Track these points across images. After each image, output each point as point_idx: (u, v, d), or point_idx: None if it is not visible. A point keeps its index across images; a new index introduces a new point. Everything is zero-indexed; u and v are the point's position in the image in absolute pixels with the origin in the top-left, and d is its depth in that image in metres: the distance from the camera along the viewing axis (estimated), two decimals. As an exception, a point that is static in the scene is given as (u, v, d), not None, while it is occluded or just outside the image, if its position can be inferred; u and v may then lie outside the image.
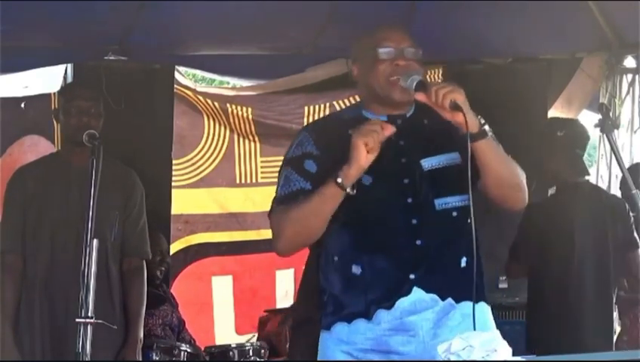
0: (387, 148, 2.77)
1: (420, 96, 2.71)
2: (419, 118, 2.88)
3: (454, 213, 2.84)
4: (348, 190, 2.71)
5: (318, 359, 2.93)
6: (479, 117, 2.69)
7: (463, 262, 2.86)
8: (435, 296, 2.81)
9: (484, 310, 2.91)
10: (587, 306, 4.61)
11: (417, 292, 2.80)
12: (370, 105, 2.91)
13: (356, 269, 2.82)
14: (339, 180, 2.69)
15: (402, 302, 2.80)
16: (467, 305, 2.81)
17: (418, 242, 2.79)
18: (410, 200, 2.81)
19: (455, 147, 2.83)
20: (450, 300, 2.83)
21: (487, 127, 2.70)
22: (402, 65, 2.81)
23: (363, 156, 2.68)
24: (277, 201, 2.90)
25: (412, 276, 2.80)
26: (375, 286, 2.81)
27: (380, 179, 2.79)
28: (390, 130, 2.71)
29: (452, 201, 2.84)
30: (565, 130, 4.74)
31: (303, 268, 4.63)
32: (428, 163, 2.84)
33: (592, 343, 4.40)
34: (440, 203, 2.83)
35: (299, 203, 2.79)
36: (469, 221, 2.77)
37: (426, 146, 2.85)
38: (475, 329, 2.62)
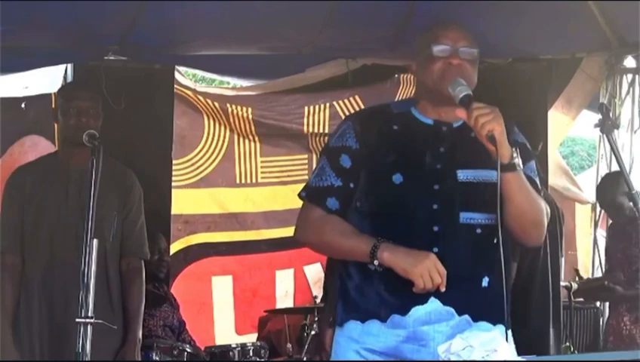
0: (426, 152, 2.80)
1: (461, 113, 2.70)
2: (467, 129, 2.79)
3: (478, 230, 2.81)
4: (375, 264, 2.75)
5: (331, 355, 2.93)
6: (514, 149, 2.69)
7: (485, 281, 2.84)
8: (451, 310, 2.79)
9: (503, 333, 2.80)
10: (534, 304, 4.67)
11: (434, 303, 2.78)
12: (420, 102, 2.90)
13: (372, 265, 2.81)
14: (375, 262, 2.74)
15: (417, 311, 2.78)
16: (484, 325, 2.80)
17: (435, 250, 2.75)
18: (435, 206, 2.79)
19: (494, 165, 2.76)
20: (466, 317, 2.81)
21: (517, 161, 2.70)
22: (455, 64, 2.80)
23: (406, 273, 2.70)
24: (307, 191, 2.91)
25: None
26: (391, 287, 2.79)
27: (410, 180, 2.79)
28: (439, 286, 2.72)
29: (478, 218, 2.81)
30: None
31: (326, 267, 4.63)
32: (464, 174, 2.82)
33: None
34: (465, 216, 2.80)
35: (336, 232, 2.84)
36: (494, 241, 2.76)
37: (466, 158, 2.83)
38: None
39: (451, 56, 2.81)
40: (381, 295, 2.81)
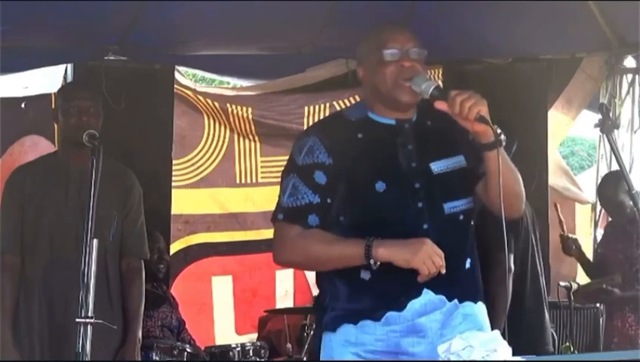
0: (397, 153, 2.81)
1: (440, 105, 2.70)
2: (423, 121, 2.88)
3: (461, 217, 2.86)
4: (372, 263, 2.72)
5: (322, 359, 2.93)
6: (495, 126, 2.69)
7: (468, 263, 2.89)
8: (443, 297, 2.82)
9: (482, 310, 2.93)
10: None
11: (427, 294, 2.80)
12: (375, 106, 2.89)
13: (365, 275, 2.80)
14: (372, 261, 2.71)
15: (413, 304, 2.80)
16: (468, 305, 2.86)
17: None
18: (421, 204, 2.81)
19: (460, 150, 2.86)
20: (455, 301, 2.85)
21: (502, 136, 2.71)
22: (407, 66, 2.80)
23: (408, 263, 2.69)
24: (284, 212, 2.88)
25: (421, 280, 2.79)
26: (384, 292, 2.80)
27: (392, 184, 2.79)
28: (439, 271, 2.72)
29: (459, 205, 2.85)
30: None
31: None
32: (437, 166, 2.84)
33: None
34: (449, 206, 2.83)
35: (319, 242, 2.80)
36: (472, 223, 2.87)
37: (433, 150, 2.86)
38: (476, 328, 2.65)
39: (402, 59, 2.81)
40: (375, 299, 2.81)
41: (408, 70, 2.80)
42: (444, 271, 2.71)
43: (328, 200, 2.80)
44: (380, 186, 2.78)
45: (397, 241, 2.73)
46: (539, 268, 4.79)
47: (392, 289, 2.79)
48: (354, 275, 2.80)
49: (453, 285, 2.83)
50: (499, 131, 2.69)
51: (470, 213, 2.87)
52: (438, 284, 2.78)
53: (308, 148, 2.84)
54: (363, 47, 2.93)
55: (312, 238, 2.82)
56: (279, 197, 2.93)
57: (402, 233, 2.77)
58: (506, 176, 2.74)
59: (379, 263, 2.72)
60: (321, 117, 6.11)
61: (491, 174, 2.74)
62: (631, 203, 3.04)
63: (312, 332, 5.22)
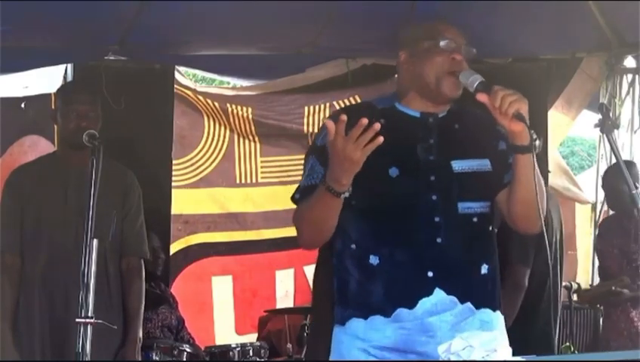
0: (417, 144, 2.81)
1: (482, 97, 2.69)
2: (450, 122, 2.88)
3: (475, 219, 2.84)
4: (343, 191, 2.68)
5: (332, 353, 2.92)
6: (532, 131, 2.68)
7: (484, 268, 2.86)
8: (454, 299, 2.80)
9: (500, 320, 2.91)
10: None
11: (439, 294, 2.79)
12: (407, 96, 2.89)
13: (374, 260, 2.79)
14: (339, 189, 2.66)
15: (424, 303, 2.78)
16: (486, 312, 2.84)
17: (439, 240, 2.78)
18: (434, 197, 2.80)
19: (486, 155, 2.86)
20: (469, 304, 2.82)
21: (537, 143, 2.71)
22: (458, 60, 2.82)
23: (341, 165, 2.62)
24: (300, 192, 2.87)
25: (430, 273, 2.78)
26: (393, 282, 2.79)
27: (406, 172, 2.79)
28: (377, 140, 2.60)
29: (474, 207, 2.84)
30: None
31: (315, 267, 4.60)
32: (459, 165, 2.84)
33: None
34: (463, 206, 2.82)
35: (310, 203, 2.77)
36: (490, 229, 2.85)
37: (458, 149, 2.86)
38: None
39: (455, 52, 2.83)
40: (384, 290, 2.79)
41: (457, 64, 2.81)
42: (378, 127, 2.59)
43: None
44: (394, 172, 2.78)
45: (332, 161, 2.64)
46: (558, 277, 4.74)
47: (400, 279, 2.77)
48: (363, 260, 2.80)
49: (465, 287, 2.82)
50: (534, 136, 2.68)
51: (486, 217, 2.85)
52: (448, 283, 2.78)
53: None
54: (412, 32, 2.92)
55: (304, 205, 2.81)
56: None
57: (413, 222, 2.78)
58: (532, 183, 2.70)
59: (345, 191, 2.66)
60: (321, 117, 6.13)
61: (518, 179, 2.74)
62: (632, 192, 3.04)
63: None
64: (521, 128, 2.66)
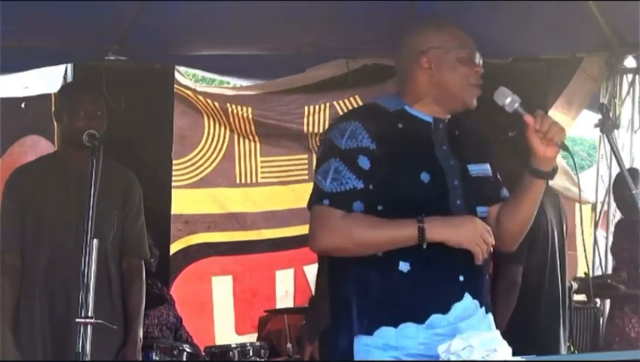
0: (434, 149, 2.82)
1: (529, 119, 2.76)
2: (452, 128, 2.89)
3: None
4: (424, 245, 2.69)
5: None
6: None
7: (486, 272, 2.93)
8: (477, 303, 2.82)
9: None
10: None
11: (467, 298, 2.79)
12: (418, 101, 2.85)
13: (404, 266, 2.73)
14: (424, 246, 2.68)
15: (456, 308, 2.77)
16: (490, 315, 2.89)
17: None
18: (459, 202, 2.80)
19: (487, 159, 2.93)
20: (483, 308, 2.86)
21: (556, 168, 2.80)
22: (480, 72, 2.86)
23: (461, 244, 2.69)
24: (329, 198, 2.72)
25: (461, 278, 2.77)
26: (427, 287, 2.75)
27: (436, 178, 2.78)
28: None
29: (485, 211, 2.88)
30: (517, 130, 4.76)
31: (317, 268, 4.56)
32: (473, 169, 2.87)
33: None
34: (480, 211, 2.85)
35: (365, 225, 2.70)
36: None
37: (467, 153, 2.88)
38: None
39: (479, 65, 2.86)
40: (417, 296, 2.75)
41: (478, 76, 2.85)
42: (494, 242, 2.72)
43: (371, 187, 2.72)
44: (425, 177, 2.75)
45: (447, 220, 2.70)
46: (558, 272, 4.73)
47: (432, 282, 2.74)
48: (392, 267, 2.74)
49: (482, 291, 2.86)
50: (556, 165, 2.79)
51: (486, 222, 2.86)
52: (473, 287, 2.80)
53: (350, 132, 2.75)
54: (438, 38, 2.85)
55: (357, 221, 2.71)
56: (318, 181, 2.77)
57: None
58: (534, 208, 2.84)
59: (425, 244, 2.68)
60: (321, 117, 6.12)
61: (527, 201, 2.83)
62: (632, 192, 3.05)
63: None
64: (554, 156, 2.73)
